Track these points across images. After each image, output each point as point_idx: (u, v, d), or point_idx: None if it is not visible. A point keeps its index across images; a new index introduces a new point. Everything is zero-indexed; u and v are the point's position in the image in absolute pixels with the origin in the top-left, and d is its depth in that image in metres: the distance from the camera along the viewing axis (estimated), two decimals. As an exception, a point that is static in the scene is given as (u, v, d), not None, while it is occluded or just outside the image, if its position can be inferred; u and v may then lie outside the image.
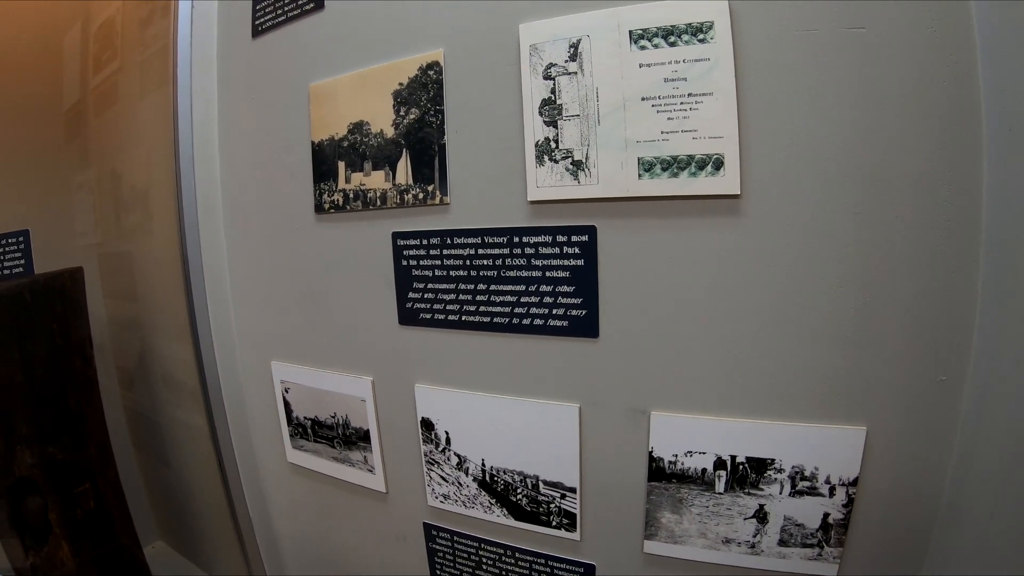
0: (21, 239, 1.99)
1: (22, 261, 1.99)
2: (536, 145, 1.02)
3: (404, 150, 1.17)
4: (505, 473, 1.20)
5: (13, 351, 1.48)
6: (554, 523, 1.17)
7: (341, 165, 1.27)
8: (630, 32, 0.93)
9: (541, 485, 1.16)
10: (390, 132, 1.18)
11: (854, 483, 0.92)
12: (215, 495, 1.78)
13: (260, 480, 1.74)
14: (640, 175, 0.94)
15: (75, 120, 2.12)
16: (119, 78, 1.89)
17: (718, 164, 0.89)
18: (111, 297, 2.15)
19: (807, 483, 0.94)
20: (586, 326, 1.05)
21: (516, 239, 1.08)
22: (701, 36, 0.88)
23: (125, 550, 1.75)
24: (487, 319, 1.14)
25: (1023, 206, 0.76)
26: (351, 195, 1.26)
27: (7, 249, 2.00)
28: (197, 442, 1.82)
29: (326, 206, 1.31)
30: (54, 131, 2.15)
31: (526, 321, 1.10)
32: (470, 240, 1.13)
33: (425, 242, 1.18)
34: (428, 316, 1.21)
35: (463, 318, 1.17)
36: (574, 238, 1.03)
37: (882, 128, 0.82)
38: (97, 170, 2.08)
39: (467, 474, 1.24)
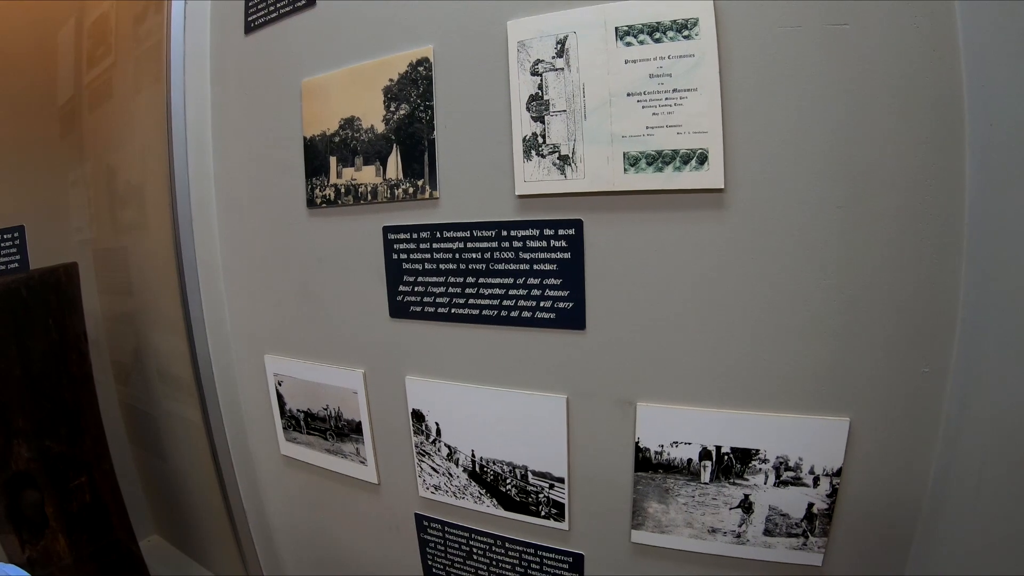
0: (16, 235, 2.00)
1: (17, 257, 2.00)
2: (524, 140, 1.03)
3: (394, 145, 1.18)
4: (495, 464, 1.21)
5: (10, 346, 1.48)
6: (543, 513, 1.19)
7: (332, 160, 1.28)
8: (616, 29, 0.93)
9: (530, 475, 1.17)
10: (381, 128, 1.19)
11: (838, 473, 0.93)
12: (210, 488, 1.79)
13: (254, 473, 1.75)
14: (626, 169, 0.95)
15: (70, 116, 2.12)
16: (113, 74, 1.89)
17: (702, 159, 0.90)
18: (106, 292, 2.16)
19: (791, 473, 0.95)
20: (573, 318, 1.06)
21: (504, 233, 1.09)
22: (686, 33, 0.89)
23: (121, 544, 1.76)
24: (476, 312, 1.15)
25: (1004, 200, 0.77)
26: (342, 190, 1.27)
27: (2, 245, 2.00)
28: (192, 435, 1.84)
29: (318, 201, 1.32)
30: (49, 127, 2.16)
31: (514, 314, 1.11)
32: (459, 234, 1.14)
33: (415, 236, 1.19)
34: (418, 309, 1.22)
35: (453, 311, 1.18)
36: (561, 231, 1.04)
37: (866, 124, 0.83)
38: (92, 166, 2.09)
39: (457, 465, 1.26)
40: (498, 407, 1.17)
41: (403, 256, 1.22)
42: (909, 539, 0.93)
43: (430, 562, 1.41)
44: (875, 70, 0.82)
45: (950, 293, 0.84)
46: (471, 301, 1.15)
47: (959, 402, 0.85)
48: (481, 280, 1.13)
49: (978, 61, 0.77)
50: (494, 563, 1.30)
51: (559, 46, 0.98)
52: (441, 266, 1.17)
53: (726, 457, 0.99)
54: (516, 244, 1.08)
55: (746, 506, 1.00)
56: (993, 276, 0.80)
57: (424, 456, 1.30)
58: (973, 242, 0.81)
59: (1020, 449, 0.80)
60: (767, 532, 1.00)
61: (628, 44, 0.93)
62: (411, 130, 1.15)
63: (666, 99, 0.92)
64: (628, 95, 0.94)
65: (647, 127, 0.93)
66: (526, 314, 1.10)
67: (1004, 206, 0.77)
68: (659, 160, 0.93)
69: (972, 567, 0.86)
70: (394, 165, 1.18)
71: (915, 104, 0.81)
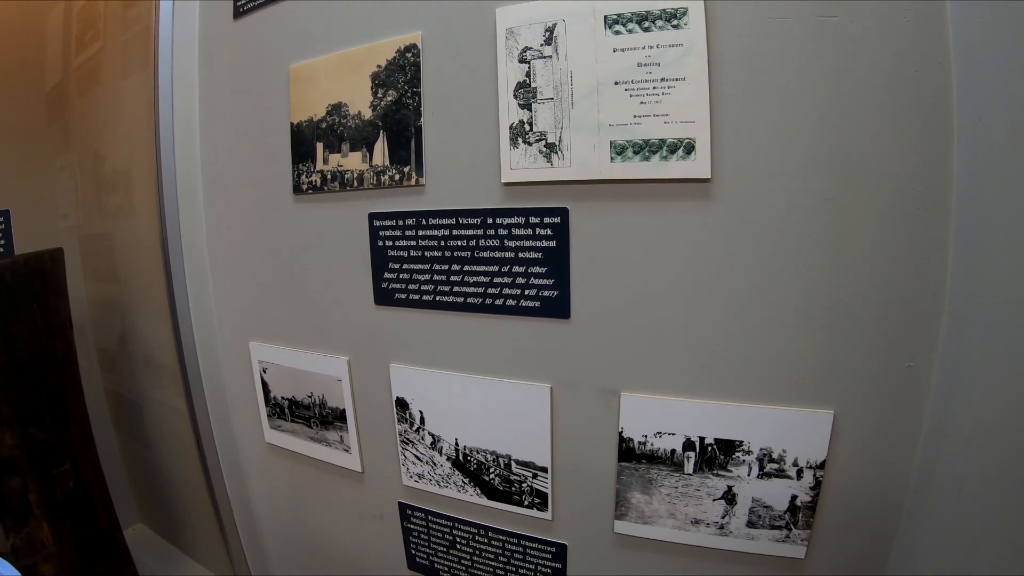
0: (1, 219, 1.98)
1: (2, 242, 1.98)
2: (510, 128, 1.02)
3: (381, 132, 1.17)
4: (478, 452, 1.21)
5: (-6, 332, 1.48)
6: (526, 502, 1.18)
7: (319, 146, 1.27)
8: (605, 17, 0.93)
9: (513, 464, 1.17)
10: (368, 114, 1.18)
11: (821, 466, 0.93)
12: (194, 476, 1.79)
13: (239, 461, 1.74)
14: (612, 158, 0.95)
15: (57, 100, 2.11)
16: (102, 58, 1.88)
17: (689, 148, 0.90)
18: (92, 279, 2.15)
19: (775, 465, 0.96)
20: (558, 307, 1.06)
21: (490, 220, 1.09)
22: (675, 22, 0.89)
23: (105, 532, 1.75)
24: (461, 299, 1.15)
25: (991, 195, 0.77)
26: (329, 176, 1.26)
27: (-13, 229, 2.00)
28: (177, 423, 1.83)
29: (304, 187, 1.31)
30: (36, 111, 2.14)
31: (499, 302, 1.11)
32: (445, 221, 1.13)
33: (401, 223, 1.18)
34: (403, 296, 1.22)
35: (437, 298, 1.18)
36: (547, 220, 1.03)
37: (854, 117, 0.83)
38: (79, 151, 2.08)
39: (441, 453, 1.25)
40: (482, 395, 1.17)
41: (389, 243, 1.21)
42: (892, 532, 0.94)
43: (413, 551, 1.41)
44: (864, 64, 0.82)
45: (936, 287, 0.84)
46: (456, 289, 1.15)
47: (944, 396, 0.85)
48: (466, 268, 1.13)
49: (968, 56, 0.77)
50: (477, 552, 1.30)
51: (547, 34, 0.97)
52: (426, 253, 1.17)
53: (710, 448, 0.99)
54: (501, 232, 1.08)
55: (729, 497, 1.00)
56: (980, 270, 0.80)
57: (408, 444, 1.30)
58: (960, 236, 0.81)
59: (1004, 444, 0.80)
60: (750, 524, 1.00)
61: (617, 32, 0.92)
62: (398, 116, 1.15)
63: (654, 88, 0.91)
64: (616, 84, 0.93)
65: (634, 116, 0.93)
66: (511, 302, 1.10)
67: (992, 201, 0.78)
68: (646, 149, 0.92)
69: (954, 562, 0.87)
70: (380, 151, 1.18)
71: (904, 98, 0.81)
